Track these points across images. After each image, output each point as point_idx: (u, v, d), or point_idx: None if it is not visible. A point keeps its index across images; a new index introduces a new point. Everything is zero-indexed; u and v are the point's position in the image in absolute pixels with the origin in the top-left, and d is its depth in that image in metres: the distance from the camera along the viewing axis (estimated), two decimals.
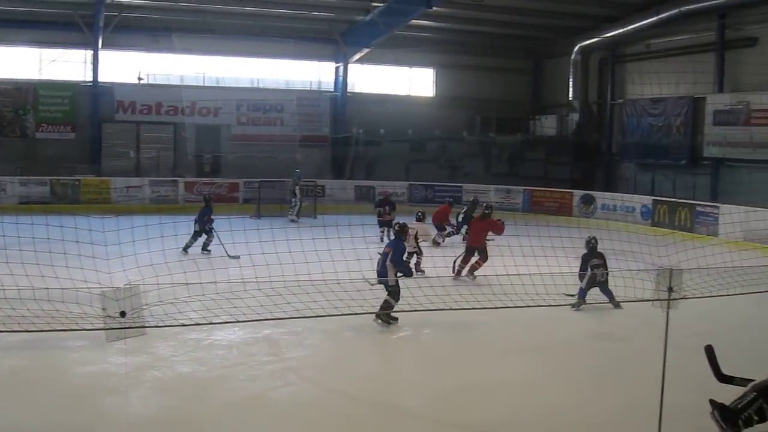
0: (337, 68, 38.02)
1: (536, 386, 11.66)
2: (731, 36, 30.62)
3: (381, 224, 25.07)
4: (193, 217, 21.76)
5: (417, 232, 19.53)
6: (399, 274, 14.68)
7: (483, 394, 11.22)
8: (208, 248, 21.55)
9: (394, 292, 14.20)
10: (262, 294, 9.95)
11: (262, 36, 34.91)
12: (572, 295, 15.97)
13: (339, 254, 11.57)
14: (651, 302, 5.45)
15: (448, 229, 25.25)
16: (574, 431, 9.98)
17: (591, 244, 16.57)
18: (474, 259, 19.00)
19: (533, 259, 13.64)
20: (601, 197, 33.52)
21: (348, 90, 37.99)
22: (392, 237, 17.98)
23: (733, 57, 30.55)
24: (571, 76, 37.20)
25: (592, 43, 36.22)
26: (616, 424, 10.10)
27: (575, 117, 38.34)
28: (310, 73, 38.06)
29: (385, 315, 14.20)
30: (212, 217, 21.58)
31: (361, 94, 38.18)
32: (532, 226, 16.49)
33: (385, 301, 14.10)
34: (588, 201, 33.60)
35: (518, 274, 11.33)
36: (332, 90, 38.20)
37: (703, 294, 9.39)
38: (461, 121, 39.61)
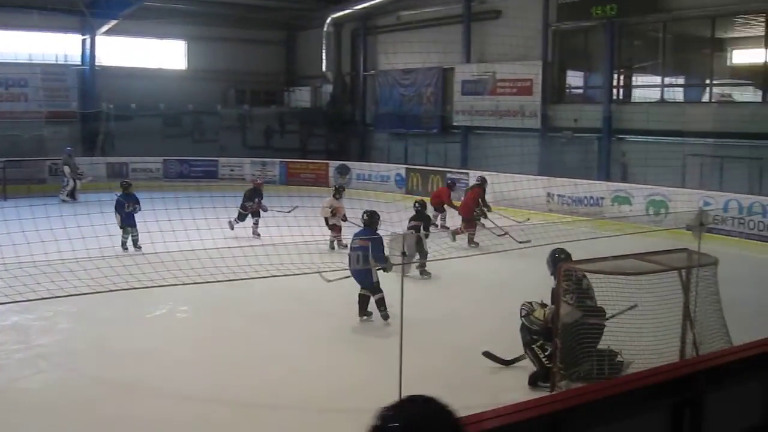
0: (83, 41, 36.42)
1: (290, 356, 11.74)
2: (477, 9, 31.72)
3: (247, 216, 22.30)
4: None
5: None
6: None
7: (236, 367, 11.19)
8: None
9: (378, 289, 13.43)
10: (11, 276, 9.43)
11: (2, 7, 32.90)
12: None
13: (90, 231, 11.13)
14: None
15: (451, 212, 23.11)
16: (324, 399, 10.07)
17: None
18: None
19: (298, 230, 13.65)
20: (357, 167, 34.03)
21: (96, 63, 36.49)
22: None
23: (479, 29, 31.65)
24: (324, 48, 37.37)
25: (345, 15, 36.41)
26: (367, 389, 10.28)
27: (329, 88, 38.61)
28: (56, 46, 36.30)
29: (383, 310, 13.36)
30: None
31: (110, 67, 36.63)
32: (288, 197, 16.58)
33: (379, 301, 13.37)
34: (344, 171, 34.00)
35: (273, 245, 11.24)
36: (79, 63, 36.63)
37: (444, 257, 9.66)
38: (215, 94, 38.96)
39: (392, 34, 35.74)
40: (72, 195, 28.91)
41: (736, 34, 26.61)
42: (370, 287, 13.46)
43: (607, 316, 10.11)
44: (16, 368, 11.08)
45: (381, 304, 13.34)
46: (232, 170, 34.77)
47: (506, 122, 30.25)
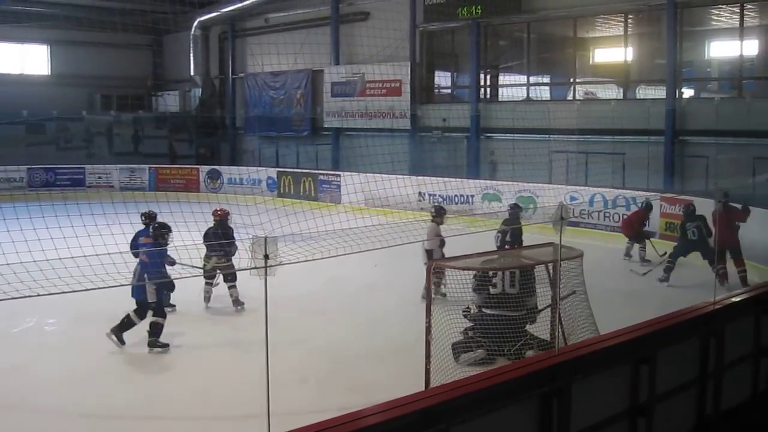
0: None
1: (161, 368, 11.52)
2: (345, 10, 31.90)
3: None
4: None
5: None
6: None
7: (103, 378, 10.99)
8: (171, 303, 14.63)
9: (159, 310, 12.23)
10: None
11: None
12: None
13: None
14: (249, 271, 5.50)
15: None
16: (197, 406, 9.97)
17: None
18: None
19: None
20: (227, 171, 33.73)
21: None
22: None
23: (348, 30, 31.79)
24: (192, 51, 36.93)
25: (212, 17, 36.14)
26: (236, 392, 10.21)
27: (198, 92, 38.15)
28: None
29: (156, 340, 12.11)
30: None
31: None
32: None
33: (152, 324, 12.14)
34: (214, 176, 33.66)
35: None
36: None
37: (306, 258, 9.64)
38: (81, 100, 37.98)
39: (261, 37, 35.51)
40: None
41: (597, 34, 27.47)
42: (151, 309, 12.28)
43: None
44: None
45: (156, 330, 12.20)
46: (99, 177, 33.96)
47: (376, 123, 30.47)
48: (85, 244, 11.29)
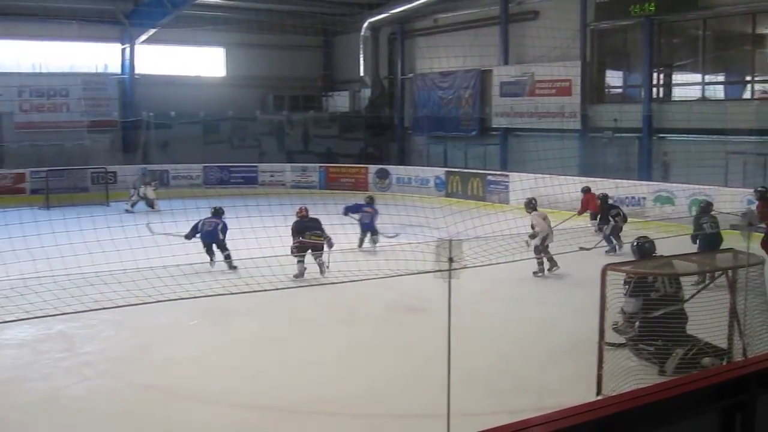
0: (123, 50, 36.72)
1: (333, 363, 11.73)
2: (514, 10, 31.62)
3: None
4: None
5: None
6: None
7: (278, 374, 11.18)
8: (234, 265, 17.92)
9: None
10: (59, 287, 9.46)
11: (43, 18, 33.10)
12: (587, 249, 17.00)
13: (137, 242, 11.15)
14: (433, 273, 5.49)
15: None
16: (373, 403, 10.05)
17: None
18: None
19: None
20: (396, 170, 34.01)
21: (136, 72, 36.76)
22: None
23: (517, 30, 31.50)
24: (361, 52, 37.40)
25: (381, 18, 36.45)
26: (409, 391, 10.23)
27: (367, 92, 38.63)
28: (96, 56, 36.55)
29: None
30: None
31: (149, 75, 36.84)
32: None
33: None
34: (383, 175, 34.00)
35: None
36: (119, 73, 36.91)
37: (490, 262, 9.60)
38: (254, 101, 39.12)
39: (429, 38, 35.70)
40: (150, 205, 28.88)
41: None
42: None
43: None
44: (63, 376, 11.15)
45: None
46: (272, 176, 34.88)
47: (546, 123, 30.07)
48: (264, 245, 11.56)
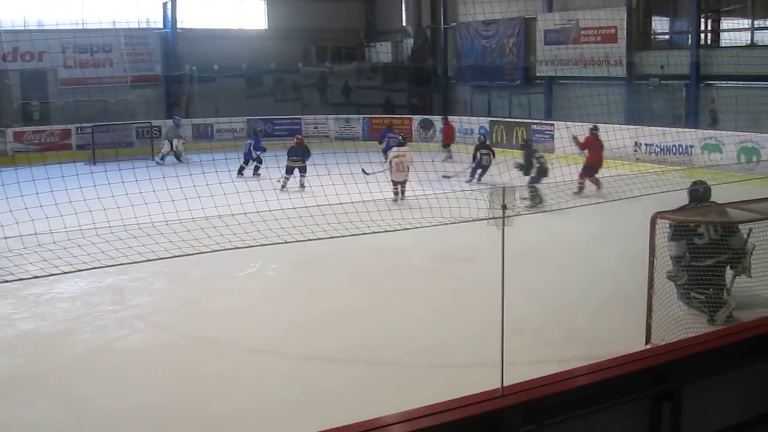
0: (164, 4, 36.69)
1: (382, 312, 11.79)
2: None
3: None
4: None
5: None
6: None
7: (329, 324, 11.22)
8: (259, 172, 24.70)
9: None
10: (103, 240, 9.53)
11: None
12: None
13: (179, 194, 11.15)
14: (486, 221, 5.44)
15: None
16: (418, 353, 10.06)
17: None
18: None
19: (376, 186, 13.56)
20: (440, 121, 33.84)
21: (178, 26, 36.78)
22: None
23: None
24: (404, 2, 37.14)
25: None
26: (462, 345, 10.22)
27: (410, 42, 38.38)
28: (138, 11, 36.55)
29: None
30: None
31: (191, 29, 36.87)
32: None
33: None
34: (427, 126, 33.87)
35: (361, 201, 11.17)
36: (161, 27, 36.93)
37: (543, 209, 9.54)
38: (296, 53, 38.99)
39: None
40: (178, 158, 29.28)
41: None
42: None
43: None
44: (114, 328, 11.31)
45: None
46: (315, 128, 34.89)
47: (591, 71, 29.72)
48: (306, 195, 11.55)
